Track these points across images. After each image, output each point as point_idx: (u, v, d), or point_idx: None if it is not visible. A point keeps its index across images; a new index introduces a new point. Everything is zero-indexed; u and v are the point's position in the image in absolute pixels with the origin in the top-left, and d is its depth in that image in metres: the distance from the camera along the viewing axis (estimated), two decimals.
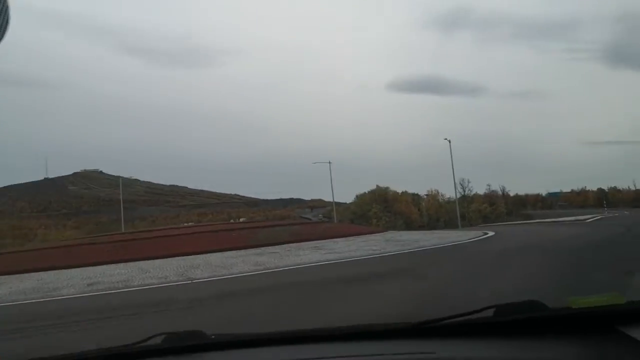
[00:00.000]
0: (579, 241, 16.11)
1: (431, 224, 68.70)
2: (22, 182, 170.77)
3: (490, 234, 23.20)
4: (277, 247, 20.14)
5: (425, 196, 72.72)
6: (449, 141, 48.39)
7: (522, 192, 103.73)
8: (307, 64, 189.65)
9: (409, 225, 69.03)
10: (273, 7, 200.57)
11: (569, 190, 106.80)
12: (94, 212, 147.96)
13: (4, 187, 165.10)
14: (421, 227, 67.43)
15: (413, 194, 78.05)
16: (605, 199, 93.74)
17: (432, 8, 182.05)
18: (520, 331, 1.34)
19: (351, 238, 24.75)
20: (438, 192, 71.14)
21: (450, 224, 64.18)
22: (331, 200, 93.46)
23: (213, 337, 1.62)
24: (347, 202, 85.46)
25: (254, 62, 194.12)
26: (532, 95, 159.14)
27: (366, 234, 29.55)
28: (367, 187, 77.48)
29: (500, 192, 73.79)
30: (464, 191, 69.83)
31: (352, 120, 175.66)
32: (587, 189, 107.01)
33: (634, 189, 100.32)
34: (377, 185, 78.99)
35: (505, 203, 71.87)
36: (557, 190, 48.02)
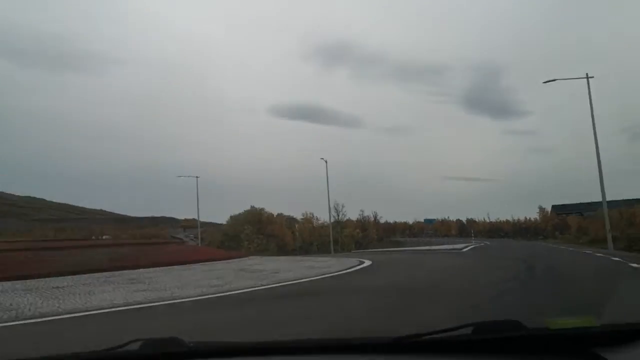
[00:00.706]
0: (481, 278, 12.30)
1: (305, 248, 64.64)
2: None
3: (367, 263, 19.15)
4: (78, 277, 14.04)
5: (300, 219, 68.78)
6: (326, 161, 44.96)
7: (391, 220, 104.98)
8: (189, 82, 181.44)
9: (282, 249, 64.43)
10: (158, 20, 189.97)
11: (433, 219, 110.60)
12: None
13: None
14: (294, 252, 63.33)
15: (289, 217, 73.97)
16: (464, 228, 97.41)
17: (316, 41, 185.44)
18: (497, 350, 1.33)
19: (198, 265, 19.38)
20: (313, 216, 67.58)
21: (323, 249, 60.71)
22: (206, 220, 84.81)
23: (191, 344, 1.56)
24: (223, 223, 79.60)
25: (135, 75, 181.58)
26: (402, 130, 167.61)
27: (224, 259, 24.34)
28: (244, 208, 72.28)
29: (372, 218, 71.98)
30: (338, 216, 66.95)
31: (233, 141, 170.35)
32: (450, 219, 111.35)
33: (488, 220, 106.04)
34: (252, 206, 73.72)
35: (376, 229, 70.13)
36: (431, 217, 47.48)
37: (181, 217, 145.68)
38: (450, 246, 38.78)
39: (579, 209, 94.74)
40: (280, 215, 73.78)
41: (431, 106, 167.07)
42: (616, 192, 72.43)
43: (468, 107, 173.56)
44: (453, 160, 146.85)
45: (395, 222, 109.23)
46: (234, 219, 72.63)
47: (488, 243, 52.41)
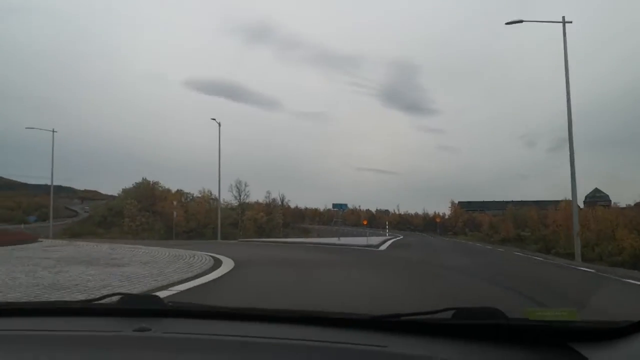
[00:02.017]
0: None
1: (198, 230, 54.26)
2: None
3: (223, 270, 9.99)
4: None
5: (196, 197, 58.24)
6: (219, 124, 35.36)
7: (302, 205, 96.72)
8: (99, 41, 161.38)
9: (171, 231, 53.56)
10: None
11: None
12: None
13: None
14: (186, 234, 52.94)
15: (187, 194, 63.06)
16: (373, 219, 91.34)
17: (238, 18, 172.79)
18: (476, 336, 1.29)
19: None
20: (211, 194, 57.27)
21: (224, 233, 51.01)
22: (107, 193, 72.89)
23: (170, 304, 1.56)
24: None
25: (36, 24, 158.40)
26: (319, 117, 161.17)
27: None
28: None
29: (279, 201, 62.75)
30: (240, 196, 57.08)
31: (141, 111, 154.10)
32: (360, 208, 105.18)
33: (398, 212, 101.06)
34: (144, 178, 61.88)
35: (283, 214, 61.04)
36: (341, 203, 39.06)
37: (81, 187, 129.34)
38: (364, 239, 29.83)
39: (483, 207, 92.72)
40: (179, 191, 62.85)
41: (348, 96, 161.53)
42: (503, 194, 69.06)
43: (384, 101, 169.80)
44: (366, 151, 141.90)
45: (306, 207, 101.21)
46: (125, 192, 60.60)
47: (401, 237, 45.03)
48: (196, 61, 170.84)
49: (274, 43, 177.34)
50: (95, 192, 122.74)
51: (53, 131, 38.55)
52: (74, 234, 50.91)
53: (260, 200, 62.99)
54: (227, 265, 11.76)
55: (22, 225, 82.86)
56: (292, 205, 75.70)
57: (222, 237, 49.64)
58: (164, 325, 1.41)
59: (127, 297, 1.58)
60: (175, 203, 46.91)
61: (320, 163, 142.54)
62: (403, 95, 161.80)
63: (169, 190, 60.06)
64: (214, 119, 36.18)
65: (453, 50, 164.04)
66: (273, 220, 58.25)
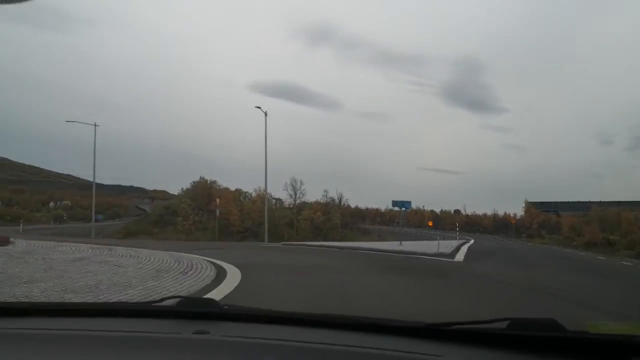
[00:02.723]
0: None
1: (253, 230, 50.80)
2: None
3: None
4: None
5: (252, 196, 54.93)
6: (265, 112, 31.31)
7: (362, 205, 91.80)
8: (165, 49, 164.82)
9: (225, 230, 50.43)
10: None
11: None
12: None
13: None
14: (241, 234, 49.67)
15: (246, 193, 60.05)
16: (439, 220, 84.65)
17: (300, 21, 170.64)
18: (531, 347, 1.22)
19: None
20: (267, 193, 53.67)
21: (277, 233, 47.28)
22: (172, 192, 71.24)
23: (225, 307, 1.56)
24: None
25: (106, 37, 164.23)
26: (380, 117, 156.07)
27: None
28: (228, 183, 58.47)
29: (337, 201, 58.15)
30: (295, 194, 53.02)
31: (209, 115, 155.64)
32: (425, 208, 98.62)
33: (465, 213, 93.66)
34: (201, 177, 59.32)
35: (341, 214, 56.42)
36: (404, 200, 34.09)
37: (151, 187, 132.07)
38: (431, 245, 23.45)
39: (557, 207, 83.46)
40: (238, 190, 59.94)
41: (410, 95, 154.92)
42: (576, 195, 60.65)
43: (446, 99, 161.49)
44: (428, 151, 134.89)
45: (366, 207, 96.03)
46: (185, 191, 58.42)
47: (473, 241, 38.87)
48: (260, 65, 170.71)
49: (336, 44, 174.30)
50: (164, 192, 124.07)
51: (95, 125, 36.28)
52: (128, 232, 49.01)
53: (318, 200, 58.89)
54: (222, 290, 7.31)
55: (89, 224, 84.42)
56: (352, 206, 71.14)
57: (275, 237, 45.88)
58: (222, 328, 1.40)
59: (185, 300, 1.58)
60: (218, 201, 43.45)
61: (380, 163, 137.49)
62: (467, 94, 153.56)
63: (227, 190, 57.22)
64: (258, 107, 32.14)
65: (521, 45, 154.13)
66: (331, 220, 53.77)
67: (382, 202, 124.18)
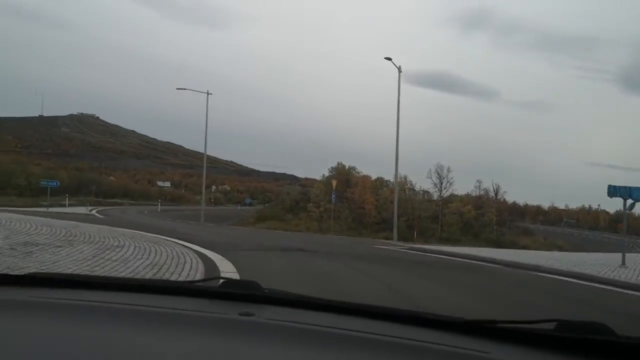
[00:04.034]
0: None
1: (390, 222, 44.06)
2: (18, 116, 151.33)
3: None
4: None
5: (389, 184, 47.98)
6: (399, 68, 24.18)
7: (520, 201, 78.38)
8: (320, 43, 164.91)
9: (360, 220, 44.60)
10: None
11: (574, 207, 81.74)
12: (79, 156, 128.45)
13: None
14: (377, 225, 43.43)
15: (387, 182, 53.53)
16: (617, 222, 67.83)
17: (454, 6, 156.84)
18: (578, 351, 1.16)
19: None
20: (406, 181, 46.43)
21: (423, 226, 40.19)
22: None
23: (267, 290, 1.51)
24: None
25: (267, 32, 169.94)
26: (542, 106, 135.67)
27: None
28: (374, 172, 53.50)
29: (492, 194, 48.16)
30: (441, 183, 44.62)
31: (359, 104, 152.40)
32: (600, 208, 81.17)
33: None
34: (339, 163, 54.12)
35: (497, 209, 46.54)
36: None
37: (302, 175, 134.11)
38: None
39: None
40: (379, 179, 53.66)
41: (576, 82, 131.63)
42: None
43: (623, 86, 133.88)
44: (600, 145, 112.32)
45: (526, 204, 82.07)
46: (326, 178, 54.11)
47: None
48: (410, 54, 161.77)
49: (492, 29, 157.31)
50: (314, 180, 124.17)
51: (207, 93, 32.76)
52: (261, 217, 46.01)
53: (468, 193, 49.57)
54: None
55: (239, 206, 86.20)
56: (509, 200, 59.70)
57: (418, 233, 38.59)
58: (266, 311, 1.39)
59: (228, 281, 1.58)
60: (334, 183, 37.16)
61: (540, 156, 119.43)
62: None
63: (366, 177, 51.28)
64: (388, 59, 24.92)
65: None
66: (484, 216, 44.46)
67: (542, 199, 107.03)
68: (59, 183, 38.58)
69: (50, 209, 30.97)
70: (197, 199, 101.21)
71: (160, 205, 55.89)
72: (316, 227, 42.54)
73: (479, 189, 48.24)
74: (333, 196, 30.30)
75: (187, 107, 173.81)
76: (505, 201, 52.72)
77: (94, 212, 34.13)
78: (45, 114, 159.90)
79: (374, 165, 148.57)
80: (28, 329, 1.09)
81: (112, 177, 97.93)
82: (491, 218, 44.72)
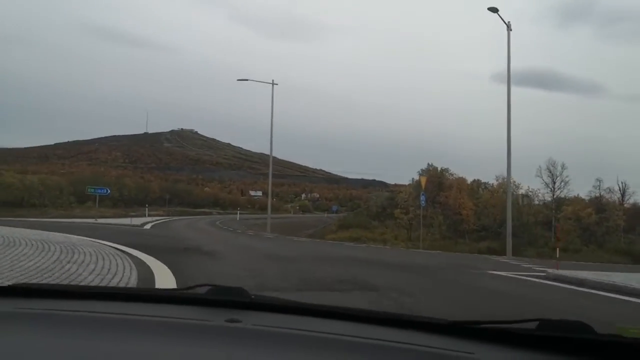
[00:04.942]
0: None
1: (492, 230, 38.32)
2: (125, 134, 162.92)
3: None
4: None
5: (490, 184, 41.73)
6: (509, 26, 18.90)
7: None
8: (406, 46, 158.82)
9: (455, 228, 39.09)
10: None
11: None
12: (178, 169, 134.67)
13: (109, 136, 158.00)
14: (477, 232, 37.59)
15: (485, 184, 47.12)
16: None
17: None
18: (559, 349, 1.17)
19: None
20: (510, 179, 39.71)
21: (524, 239, 33.75)
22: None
23: (253, 297, 1.50)
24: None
25: (354, 42, 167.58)
26: None
27: None
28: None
29: (618, 195, 39.79)
30: (554, 182, 37.45)
31: (452, 109, 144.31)
32: None
33: None
34: (429, 164, 48.53)
35: (624, 213, 38.30)
36: None
37: (392, 182, 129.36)
38: None
39: None
40: (476, 181, 47.44)
41: None
42: None
43: None
44: None
45: None
46: (415, 182, 49.05)
47: None
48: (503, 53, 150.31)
49: (594, 19, 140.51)
50: (403, 185, 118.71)
51: (272, 83, 29.39)
52: (344, 225, 42.02)
53: (578, 195, 41.47)
54: None
55: (325, 214, 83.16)
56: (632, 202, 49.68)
57: (524, 243, 32.28)
58: (253, 318, 1.37)
59: (215, 288, 1.52)
60: (424, 180, 31.59)
61: None
62: None
63: (461, 179, 45.33)
64: (493, 9, 19.68)
65: None
66: (607, 221, 36.63)
67: None
68: (109, 190, 34.68)
69: (100, 220, 29.09)
70: (286, 207, 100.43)
71: (240, 213, 54.12)
72: (405, 236, 37.65)
73: (599, 189, 40.19)
74: (422, 197, 24.99)
75: (281, 118, 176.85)
76: (635, 204, 43.63)
77: (147, 225, 27.34)
78: (149, 131, 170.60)
79: (466, 170, 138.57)
80: (12, 340, 1.06)
81: (207, 188, 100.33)
82: (618, 223, 36.75)
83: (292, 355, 1.12)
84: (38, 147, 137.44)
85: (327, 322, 1.37)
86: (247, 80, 29.15)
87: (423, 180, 24.61)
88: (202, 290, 1.51)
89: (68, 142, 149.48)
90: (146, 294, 1.62)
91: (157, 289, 1.66)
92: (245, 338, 1.20)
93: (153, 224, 28.62)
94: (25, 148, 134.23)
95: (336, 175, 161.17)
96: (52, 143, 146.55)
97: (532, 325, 1.19)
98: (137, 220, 30.05)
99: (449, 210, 39.97)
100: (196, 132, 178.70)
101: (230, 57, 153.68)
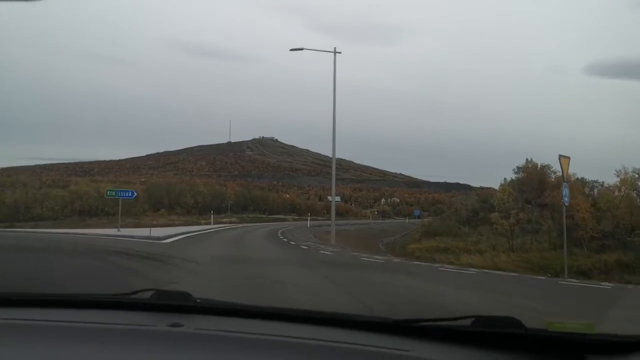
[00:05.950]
0: None
1: (619, 237, 30.44)
2: (210, 143, 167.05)
3: None
4: None
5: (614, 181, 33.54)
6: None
7: None
8: (489, 44, 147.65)
9: (569, 235, 31.07)
10: None
11: None
12: (260, 176, 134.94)
13: (194, 146, 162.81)
14: (597, 241, 30.07)
15: (594, 183, 38.89)
16: None
17: None
18: (494, 345, 1.26)
19: None
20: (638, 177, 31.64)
21: None
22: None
23: (198, 300, 1.51)
24: None
25: (432, 42, 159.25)
26: None
27: None
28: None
29: None
30: None
31: (542, 105, 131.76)
32: None
33: None
34: (528, 159, 40.91)
35: None
36: None
37: (477, 184, 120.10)
38: None
39: None
40: (581, 179, 39.30)
41: None
42: None
43: None
44: None
45: None
46: (509, 182, 41.94)
47: None
48: (596, 43, 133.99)
49: None
50: (491, 188, 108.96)
51: (335, 52, 24.33)
52: (429, 232, 36.15)
53: None
54: None
55: (407, 219, 76.82)
56: None
57: None
58: (196, 321, 1.37)
59: (159, 293, 1.51)
60: (575, 193, 24.60)
61: None
62: None
63: (570, 177, 37.50)
64: None
65: None
66: None
67: None
68: (135, 193, 28.63)
69: (123, 230, 24.20)
70: (364, 213, 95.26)
71: (313, 219, 49.98)
72: (505, 245, 31.12)
73: None
74: (564, 190, 14.44)
75: (356, 123, 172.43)
76: None
77: (174, 238, 20.57)
78: (232, 140, 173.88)
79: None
80: None
81: (286, 194, 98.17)
82: None
83: (233, 357, 1.10)
84: (131, 158, 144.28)
85: (272, 324, 1.35)
86: (302, 49, 24.67)
87: (565, 164, 15.52)
88: (146, 295, 1.46)
89: (158, 153, 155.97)
90: (88, 300, 1.53)
91: (99, 295, 1.41)
92: (187, 342, 1.17)
93: (188, 236, 22.83)
94: (118, 160, 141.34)
95: (417, 178, 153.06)
96: (144, 154, 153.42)
97: (468, 322, 1.23)
98: (190, 228, 26.13)
99: (556, 212, 32.63)
100: (276, 139, 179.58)
101: (312, 66, 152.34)
